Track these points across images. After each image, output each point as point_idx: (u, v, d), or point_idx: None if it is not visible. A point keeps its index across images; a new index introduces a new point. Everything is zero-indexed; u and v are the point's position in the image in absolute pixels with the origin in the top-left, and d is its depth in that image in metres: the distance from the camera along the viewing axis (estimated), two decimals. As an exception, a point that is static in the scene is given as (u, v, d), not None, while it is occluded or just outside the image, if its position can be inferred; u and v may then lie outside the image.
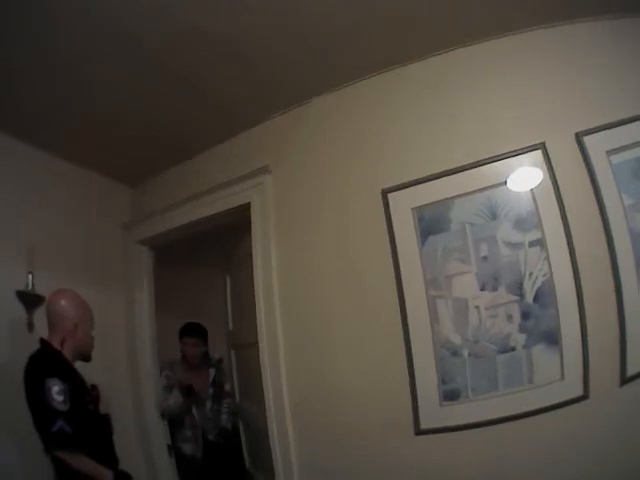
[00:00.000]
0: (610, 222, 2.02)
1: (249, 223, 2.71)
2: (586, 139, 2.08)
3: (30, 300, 2.37)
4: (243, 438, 3.36)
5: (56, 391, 1.83)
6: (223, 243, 3.38)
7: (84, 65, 2.20)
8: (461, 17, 2.16)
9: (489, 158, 2.16)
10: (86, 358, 2.16)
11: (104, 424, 2.11)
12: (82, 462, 1.83)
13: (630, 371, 1.94)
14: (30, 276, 2.42)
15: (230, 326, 3.47)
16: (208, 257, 3.85)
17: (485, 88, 2.27)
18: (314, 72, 2.43)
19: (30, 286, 2.41)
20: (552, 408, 1.97)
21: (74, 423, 1.83)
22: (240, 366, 3.36)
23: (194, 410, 3.19)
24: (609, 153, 2.08)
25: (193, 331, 3.37)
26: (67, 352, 2.05)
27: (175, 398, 3.07)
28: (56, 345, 2.04)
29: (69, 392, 1.86)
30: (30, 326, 2.35)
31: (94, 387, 2.14)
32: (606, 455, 1.87)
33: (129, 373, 3.04)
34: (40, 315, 2.30)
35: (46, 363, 1.94)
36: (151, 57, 2.20)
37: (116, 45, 2.11)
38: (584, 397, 1.95)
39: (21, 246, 2.47)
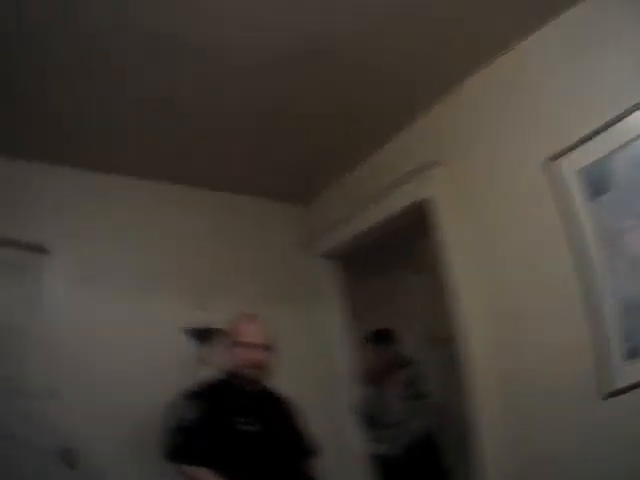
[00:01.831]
0: None
1: (427, 219, 2.77)
2: None
3: (204, 336, 2.51)
4: (446, 436, 3.35)
5: (190, 411, 1.98)
6: (405, 242, 3.45)
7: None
8: None
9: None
10: (258, 376, 2.22)
11: (274, 446, 2.13)
12: (200, 473, 1.91)
13: None
14: (202, 313, 2.54)
15: (426, 324, 3.56)
16: (393, 258, 3.91)
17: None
18: (461, 51, 2.47)
19: (203, 323, 2.52)
20: None
21: (204, 439, 1.94)
22: (440, 362, 3.41)
23: (387, 408, 3.30)
24: None
25: (379, 337, 3.50)
26: (239, 376, 2.18)
27: (366, 393, 3.23)
28: (228, 371, 2.20)
29: (209, 410, 1.99)
30: (203, 362, 2.46)
31: (278, 411, 2.24)
32: None
33: (327, 385, 3.13)
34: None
35: (198, 387, 2.11)
36: (309, 73, 2.44)
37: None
38: None
39: (197, 280, 2.76)
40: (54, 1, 1.88)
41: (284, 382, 2.36)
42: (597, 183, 2.16)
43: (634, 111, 2.05)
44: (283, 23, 2.16)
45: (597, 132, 2.15)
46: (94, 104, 2.50)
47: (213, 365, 2.24)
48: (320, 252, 3.35)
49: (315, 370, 3.13)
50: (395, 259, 3.90)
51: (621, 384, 2.02)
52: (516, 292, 2.47)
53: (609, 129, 2.12)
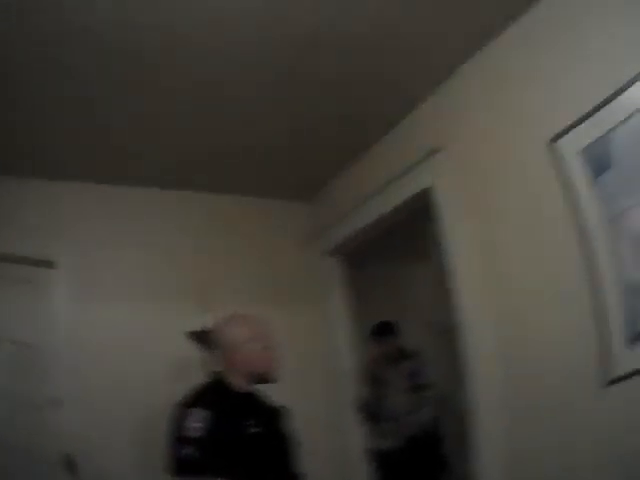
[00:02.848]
0: None
1: (431, 208, 2.74)
2: None
3: (204, 338, 2.37)
4: (446, 429, 3.34)
5: (193, 419, 1.85)
6: (407, 233, 3.42)
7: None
8: None
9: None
10: (265, 379, 2.12)
11: (275, 445, 2.08)
12: None
13: None
14: (206, 314, 2.45)
15: (431, 314, 3.53)
16: (395, 251, 3.89)
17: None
18: (458, 36, 2.44)
19: (205, 325, 2.38)
20: None
21: (215, 448, 1.82)
22: (443, 353, 3.37)
23: (389, 402, 3.29)
24: None
25: (381, 330, 3.50)
26: (235, 378, 2.07)
27: (365, 388, 3.22)
28: (224, 374, 2.08)
29: (215, 419, 1.86)
30: (205, 365, 2.35)
31: (276, 408, 2.17)
32: None
33: (333, 383, 3.15)
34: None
35: (196, 394, 1.99)
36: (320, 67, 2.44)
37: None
38: None
39: (200, 284, 2.79)
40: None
41: (289, 382, 2.29)
42: (598, 162, 2.09)
43: (631, 85, 1.97)
44: (282, 18, 2.15)
45: (596, 109, 2.08)
46: (87, 117, 2.57)
47: (216, 368, 2.14)
48: (324, 249, 3.34)
49: (321, 368, 3.15)
50: (400, 250, 3.87)
51: (622, 371, 1.95)
52: (518, 278, 2.42)
53: (607, 105, 2.04)
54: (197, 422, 1.84)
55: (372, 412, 3.25)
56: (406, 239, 3.63)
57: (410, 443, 3.27)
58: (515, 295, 2.42)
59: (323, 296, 3.32)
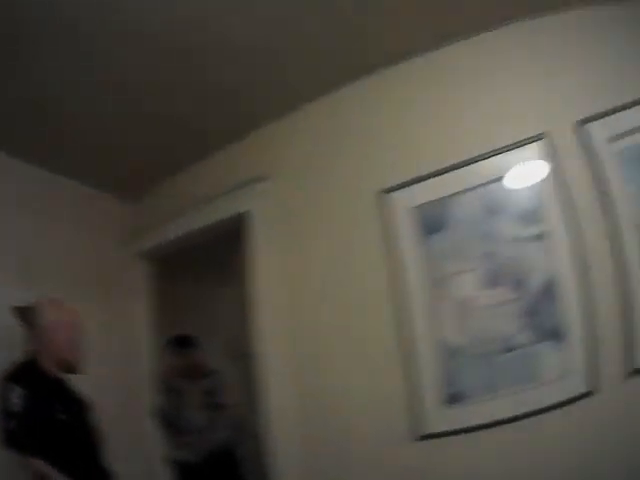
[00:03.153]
0: (616, 211, 1.94)
1: (247, 232, 2.68)
2: (587, 127, 2.01)
3: (27, 315, 2.27)
4: (243, 451, 3.33)
5: (14, 395, 1.90)
6: (223, 253, 3.36)
7: (82, 87, 2.31)
8: (458, 11, 2.14)
9: (489, 152, 2.13)
10: (71, 369, 2.15)
11: (85, 436, 2.10)
12: (36, 465, 1.86)
13: (638, 364, 1.83)
14: (27, 291, 2.36)
15: (231, 336, 3.49)
16: (208, 268, 3.82)
17: (482, 82, 2.25)
18: (310, 75, 2.43)
19: (28, 301, 2.28)
20: (558, 406, 1.88)
21: (31, 428, 1.88)
22: (241, 377, 3.33)
23: (187, 415, 3.23)
24: (611, 140, 1.99)
25: (183, 343, 3.43)
26: (46, 362, 2.08)
27: (161, 395, 3.13)
28: (36, 355, 2.08)
29: (30, 399, 1.91)
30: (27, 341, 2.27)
31: (82, 399, 2.16)
32: (612, 451, 1.78)
33: (128, 386, 3.01)
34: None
35: (15, 370, 2.00)
36: (150, 65, 2.26)
37: (113, 53, 2.16)
38: (589, 393, 1.86)
39: (20, 262, 2.49)
40: None
41: (87, 378, 2.22)
42: (430, 223, 2.18)
43: (474, 162, 2.13)
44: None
45: (442, 172, 2.19)
46: None
47: (31, 347, 2.12)
48: (138, 251, 3.23)
49: (118, 370, 2.98)
50: (211, 269, 3.81)
51: (435, 429, 2.04)
52: (324, 324, 2.38)
53: (456, 171, 2.17)
54: (16, 398, 1.90)
55: (168, 422, 3.15)
56: (221, 259, 3.57)
57: (209, 459, 3.20)
58: (320, 342, 2.39)
59: (129, 298, 3.20)
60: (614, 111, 1.98)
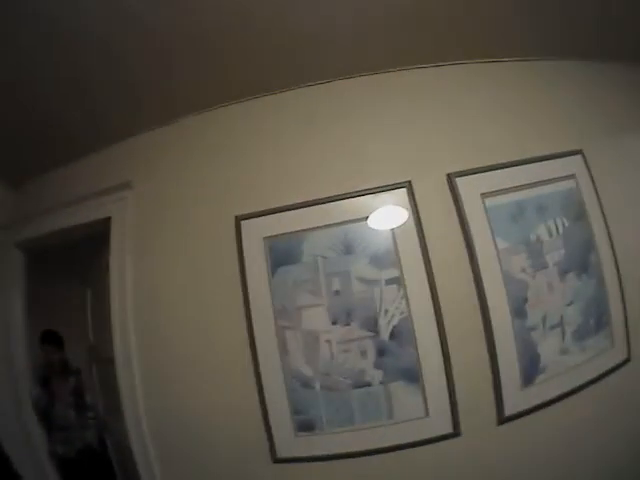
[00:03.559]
0: (480, 264, 2.03)
1: (109, 237, 2.61)
2: (459, 180, 2.08)
3: None
4: (112, 453, 3.36)
5: None
6: (86, 255, 3.30)
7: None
8: (336, 51, 2.13)
9: (350, 193, 2.14)
10: None
11: None
12: None
13: (508, 411, 1.99)
14: None
15: (91, 340, 3.44)
16: (73, 268, 3.74)
17: (353, 123, 2.25)
18: (184, 90, 2.35)
19: None
20: (419, 444, 1.98)
21: None
22: (102, 381, 3.33)
23: (57, 410, 3.22)
24: (484, 196, 2.04)
25: (50, 338, 3.41)
26: None
27: (35, 388, 3.09)
28: None
29: None
30: None
31: None
32: None
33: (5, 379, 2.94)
34: None
35: None
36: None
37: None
38: (455, 434, 1.97)
39: None
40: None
41: None
42: (283, 254, 2.18)
43: (347, 197, 2.15)
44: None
45: (299, 206, 2.18)
46: None
47: None
48: (13, 240, 3.10)
49: None
50: (81, 268, 3.70)
51: (292, 454, 2.11)
52: (174, 341, 2.36)
53: (315, 207, 2.16)
54: None
55: (42, 415, 3.12)
56: (88, 260, 3.46)
57: (80, 456, 3.24)
58: (171, 355, 2.36)
59: (4, 286, 3.08)
60: (489, 169, 2.03)
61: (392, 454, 2.00)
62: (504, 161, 2.10)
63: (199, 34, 2.01)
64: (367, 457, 2.02)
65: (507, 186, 2.11)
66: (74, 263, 3.55)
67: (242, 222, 2.22)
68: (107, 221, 2.65)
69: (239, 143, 2.39)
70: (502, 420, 2.01)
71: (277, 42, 2.07)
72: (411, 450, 1.99)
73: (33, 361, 3.13)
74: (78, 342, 3.57)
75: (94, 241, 2.90)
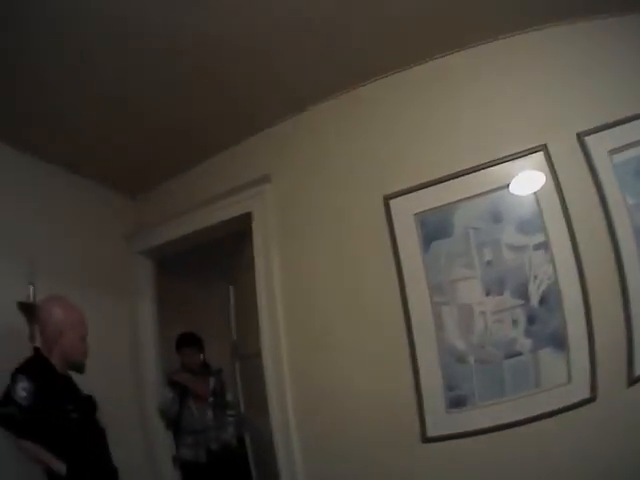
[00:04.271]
0: (614, 222, 2.00)
1: (251, 232, 2.69)
2: (587, 139, 2.06)
3: (31, 311, 2.30)
4: (249, 450, 3.34)
5: (21, 387, 1.91)
6: (226, 253, 3.36)
7: (82, 74, 2.20)
8: (459, 20, 2.13)
9: (491, 161, 2.14)
10: (77, 368, 2.15)
11: (95, 436, 2.10)
12: (32, 449, 1.90)
13: (638, 371, 1.90)
14: (31, 287, 2.37)
15: (234, 337, 3.47)
16: (212, 267, 3.84)
17: (485, 91, 2.25)
18: (313, 79, 2.41)
19: (31, 297, 2.34)
20: (559, 412, 1.94)
21: (33, 420, 1.89)
22: (245, 377, 3.36)
23: (193, 413, 3.21)
24: (611, 152, 2.05)
25: (189, 341, 3.42)
26: (55, 359, 2.07)
27: (166, 393, 3.12)
28: (44, 352, 2.07)
29: (38, 393, 1.91)
30: (32, 338, 2.27)
31: (89, 398, 2.16)
32: (613, 457, 1.84)
33: (133, 385, 3.03)
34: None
35: (26, 364, 2.00)
36: (151, 65, 2.20)
37: (115, 53, 2.09)
38: (591, 399, 1.91)
39: (23, 257, 2.40)
40: None
41: (92, 376, 2.19)
42: (435, 229, 2.18)
43: (488, 167, 2.13)
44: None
45: (445, 179, 2.18)
46: None
47: (37, 344, 2.11)
48: (140, 249, 3.19)
49: (124, 368, 3.00)
50: (215, 267, 3.79)
51: (440, 432, 2.07)
52: (330, 327, 2.37)
53: (460, 178, 2.16)
54: (23, 391, 1.90)
55: (173, 420, 3.16)
56: (225, 258, 3.50)
57: (213, 458, 3.19)
58: (321, 343, 2.38)
59: (134, 295, 3.17)
60: (615, 124, 2.01)
61: (536, 423, 1.96)
62: (629, 114, 2.03)
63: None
64: (513, 429, 1.99)
65: (633, 140, 2.03)
66: (213, 263, 3.67)
67: (390, 201, 2.24)
68: (247, 217, 2.70)
69: (378, 123, 2.41)
70: (632, 381, 2.01)
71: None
72: (553, 418, 1.95)
73: (164, 366, 3.21)
74: (221, 342, 3.63)
75: (232, 239, 3.01)
